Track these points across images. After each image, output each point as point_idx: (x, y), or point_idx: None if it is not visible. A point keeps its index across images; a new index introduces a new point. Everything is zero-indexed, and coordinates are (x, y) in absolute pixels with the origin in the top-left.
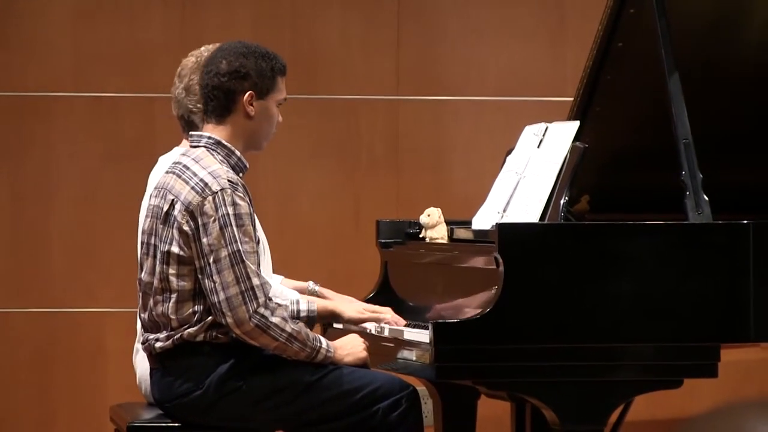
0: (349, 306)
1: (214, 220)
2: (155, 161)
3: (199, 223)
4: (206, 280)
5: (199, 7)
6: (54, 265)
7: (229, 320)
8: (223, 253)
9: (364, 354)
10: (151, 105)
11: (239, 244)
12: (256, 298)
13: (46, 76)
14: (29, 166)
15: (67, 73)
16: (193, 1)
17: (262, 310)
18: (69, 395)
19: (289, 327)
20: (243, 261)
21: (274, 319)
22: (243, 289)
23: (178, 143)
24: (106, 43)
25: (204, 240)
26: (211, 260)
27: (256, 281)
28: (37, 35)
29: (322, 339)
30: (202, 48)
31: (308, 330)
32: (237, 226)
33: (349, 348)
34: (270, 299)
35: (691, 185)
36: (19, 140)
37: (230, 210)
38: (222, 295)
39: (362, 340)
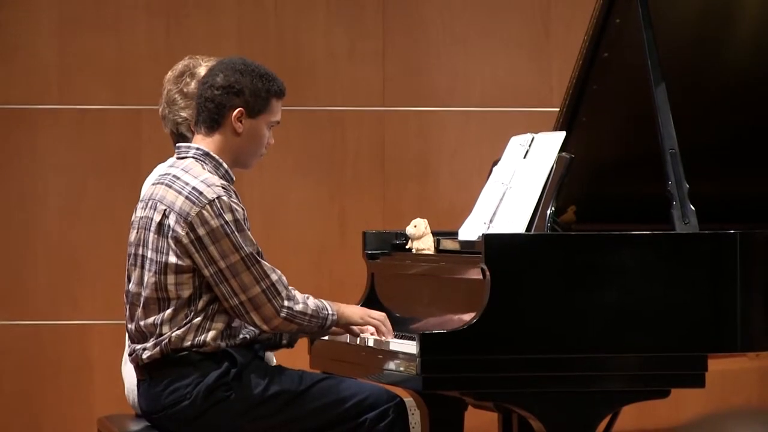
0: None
1: (218, 228)
2: (141, 173)
3: (200, 233)
4: (220, 286)
5: (184, 19)
6: (39, 277)
7: (255, 318)
8: (235, 257)
9: (368, 314)
10: (137, 117)
11: (247, 248)
12: (279, 293)
13: (31, 87)
14: (14, 178)
15: (53, 84)
16: (179, 12)
17: (286, 302)
18: (55, 408)
19: (310, 309)
20: (258, 261)
21: (298, 307)
22: (264, 287)
23: (164, 155)
24: (92, 55)
25: (211, 248)
26: (222, 266)
27: (274, 276)
28: (22, 47)
29: (326, 304)
30: (181, 62)
31: (317, 301)
32: (239, 231)
33: (352, 306)
34: (288, 289)
35: (677, 195)
36: (4, 152)
37: (229, 217)
38: (243, 296)
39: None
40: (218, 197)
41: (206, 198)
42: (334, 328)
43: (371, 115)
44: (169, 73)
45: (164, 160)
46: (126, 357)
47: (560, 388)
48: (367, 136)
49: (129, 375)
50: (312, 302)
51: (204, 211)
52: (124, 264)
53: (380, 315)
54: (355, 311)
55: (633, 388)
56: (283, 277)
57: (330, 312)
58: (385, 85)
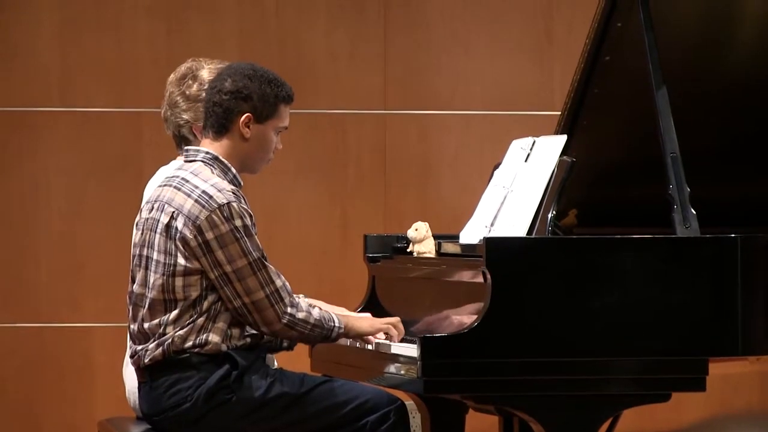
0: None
1: (227, 233)
2: (142, 175)
3: (208, 237)
4: (225, 288)
5: (185, 21)
6: (41, 280)
7: (257, 319)
8: (242, 262)
9: (378, 323)
10: (138, 119)
11: (255, 253)
12: (282, 299)
13: (32, 90)
14: (15, 181)
15: (53, 87)
16: (180, 15)
17: (289, 309)
18: (56, 410)
19: (313, 319)
20: (264, 266)
21: (300, 315)
22: (268, 292)
23: (164, 157)
24: (92, 58)
25: (218, 252)
26: (229, 270)
27: (279, 283)
28: (23, 49)
29: (334, 316)
30: (183, 64)
31: (323, 312)
32: (247, 236)
33: (361, 317)
34: (292, 296)
35: (678, 199)
36: (6, 155)
37: (239, 222)
38: (247, 299)
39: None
40: (228, 202)
41: (216, 202)
42: (343, 339)
43: (372, 118)
44: (172, 75)
45: (165, 163)
46: (127, 359)
47: (561, 392)
48: (368, 139)
49: (130, 377)
50: (316, 312)
51: (213, 216)
52: (126, 266)
53: (392, 319)
54: (364, 322)
55: (634, 392)
56: (288, 284)
57: (336, 324)
58: (387, 88)
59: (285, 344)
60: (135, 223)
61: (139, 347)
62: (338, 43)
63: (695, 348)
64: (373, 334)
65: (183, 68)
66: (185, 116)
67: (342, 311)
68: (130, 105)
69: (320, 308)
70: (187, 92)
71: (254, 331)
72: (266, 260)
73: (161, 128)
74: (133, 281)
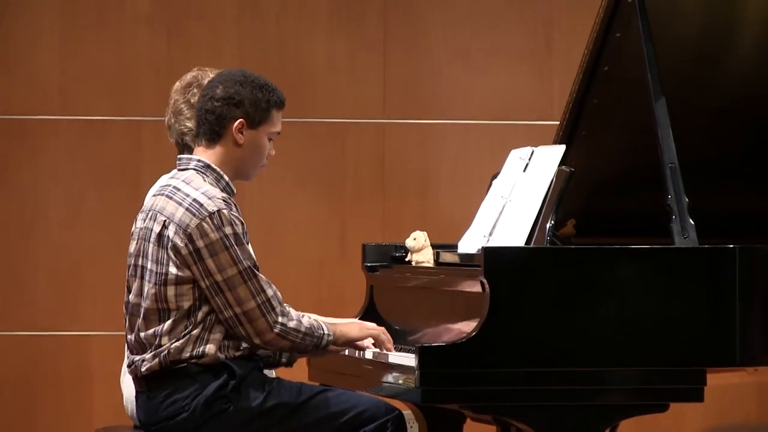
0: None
1: (217, 241)
2: (141, 184)
3: (199, 245)
4: (216, 297)
5: (185, 31)
6: (39, 288)
7: (249, 330)
8: (233, 271)
9: (366, 327)
10: (138, 128)
11: (245, 261)
12: (273, 308)
13: (32, 98)
14: (14, 189)
15: (54, 95)
16: (180, 24)
17: (280, 318)
18: (54, 418)
19: (303, 327)
20: (255, 275)
21: (292, 324)
22: (260, 302)
23: (164, 167)
24: (93, 66)
25: (209, 261)
26: (219, 279)
27: (270, 292)
28: (24, 58)
29: (323, 324)
30: (189, 73)
31: (312, 320)
32: (238, 244)
33: (348, 323)
34: (283, 305)
35: (677, 209)
36: (5, 163)
37: (229, 230)
38: (238, 309)
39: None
40: (219, 210)
41: (207, 210)
42: (333, 347)
43: (371, 127)
44: (177, 83)
45: (165, 172)
46: (125, 368)
47: (559, 402)
48: (367, 148)
49: (128, 386)
50: (306, 321)
51: (204, 224)
52: (124, 275)
53: (378, 327)
54: (352, 327)
55: (632, 402)
56: (278, 293)
57: (326, 332)
58: (386, 97)
59: (284, 360)
60: (131, 233)
61: (137, 357)
62: (338, 52)
63: (693, 358)
64: (362, 339)
65: (189, 77)
66: (189, 124)
67: (331, 321)
68: (129, 114)
69: (309, 317)
70: (192, 100)
71: None
72: (257, 269)
73: (161, 137)
74: (129, 291)
